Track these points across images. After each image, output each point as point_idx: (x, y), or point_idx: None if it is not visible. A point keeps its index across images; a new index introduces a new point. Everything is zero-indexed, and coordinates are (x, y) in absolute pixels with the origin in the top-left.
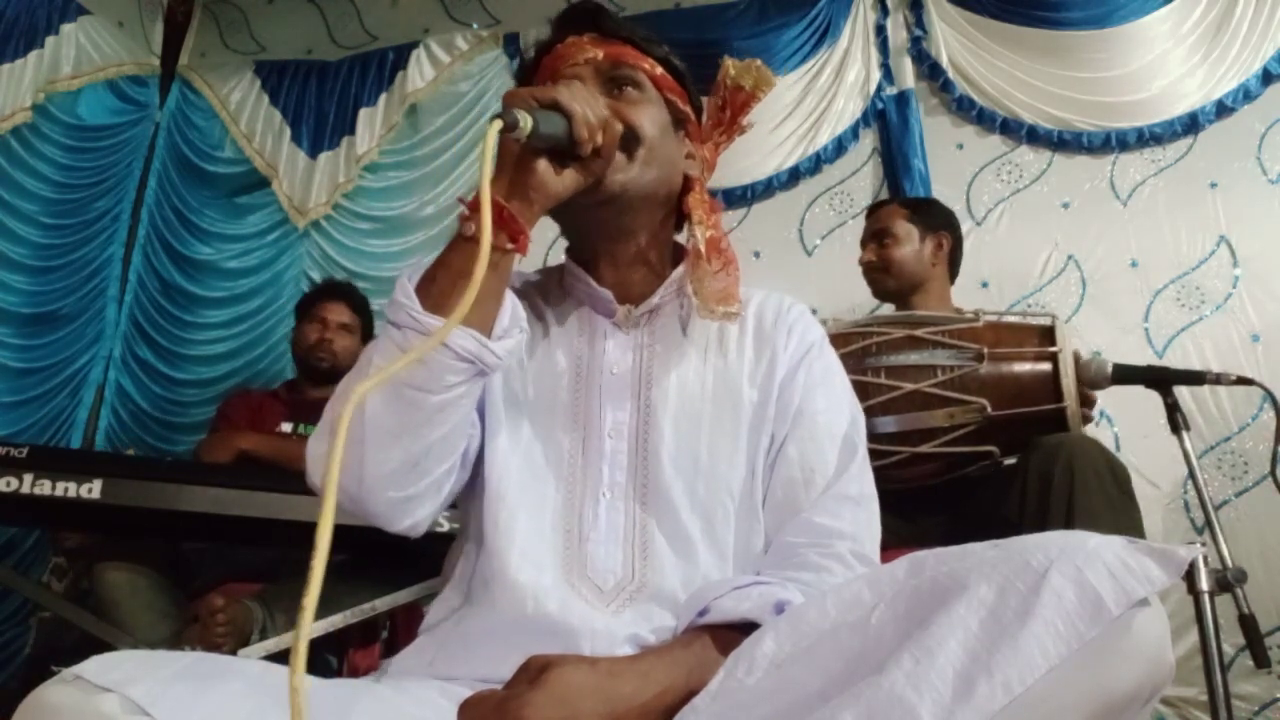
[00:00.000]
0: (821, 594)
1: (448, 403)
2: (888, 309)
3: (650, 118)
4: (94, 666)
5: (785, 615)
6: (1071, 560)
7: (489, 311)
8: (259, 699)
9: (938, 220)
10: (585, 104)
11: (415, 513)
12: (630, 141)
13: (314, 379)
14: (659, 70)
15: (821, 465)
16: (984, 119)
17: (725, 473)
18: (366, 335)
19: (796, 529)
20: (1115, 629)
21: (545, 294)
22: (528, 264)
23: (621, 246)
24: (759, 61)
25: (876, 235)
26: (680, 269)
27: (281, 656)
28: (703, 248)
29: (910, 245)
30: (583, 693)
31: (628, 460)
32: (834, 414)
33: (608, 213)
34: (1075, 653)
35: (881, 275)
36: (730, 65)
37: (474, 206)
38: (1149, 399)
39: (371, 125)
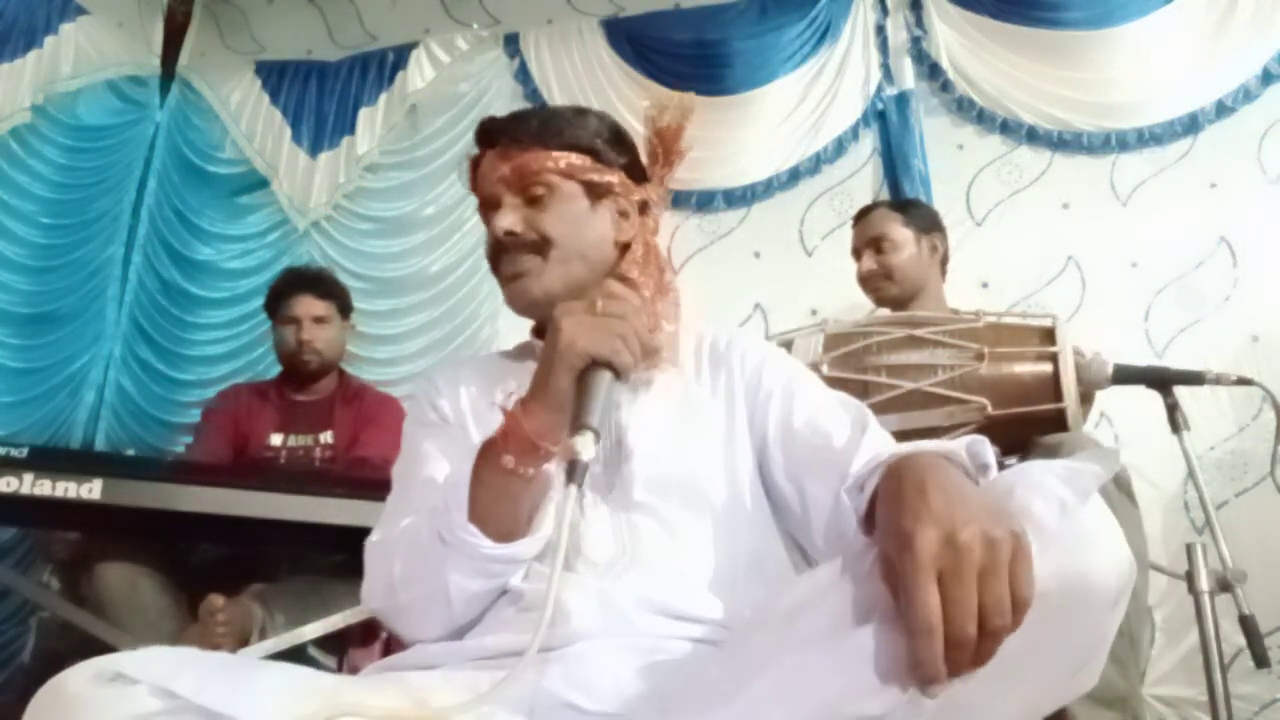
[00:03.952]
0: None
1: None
2: (885, 311)
3: (562, 216)
4: (134, 662)
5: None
6: (1027, 477)
7: (526, 512)
8: (292, 686)
9: (929, 222)
10: (629, 345)
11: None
12: (543, 245)
13: (301, 381)
14: (564, 162)
15: (836, 427)
16: (984, 119)
17: (703, 484)
18: (344, 316)
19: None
20: (1076, 522)
21: (521, 356)
22: None
23: None
24: (680, 96)
25: (872, 243)
26: None
27: (282, 656)
28: None
29: (909, 250)
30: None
31: (605, 482)
32: (816, 387)
33: (536, 309)
34: (1046, 549)
35: (884, 283)
36: (649, 106)
37: (512, 434)
38: (1149, 399)
39: (372, 125)
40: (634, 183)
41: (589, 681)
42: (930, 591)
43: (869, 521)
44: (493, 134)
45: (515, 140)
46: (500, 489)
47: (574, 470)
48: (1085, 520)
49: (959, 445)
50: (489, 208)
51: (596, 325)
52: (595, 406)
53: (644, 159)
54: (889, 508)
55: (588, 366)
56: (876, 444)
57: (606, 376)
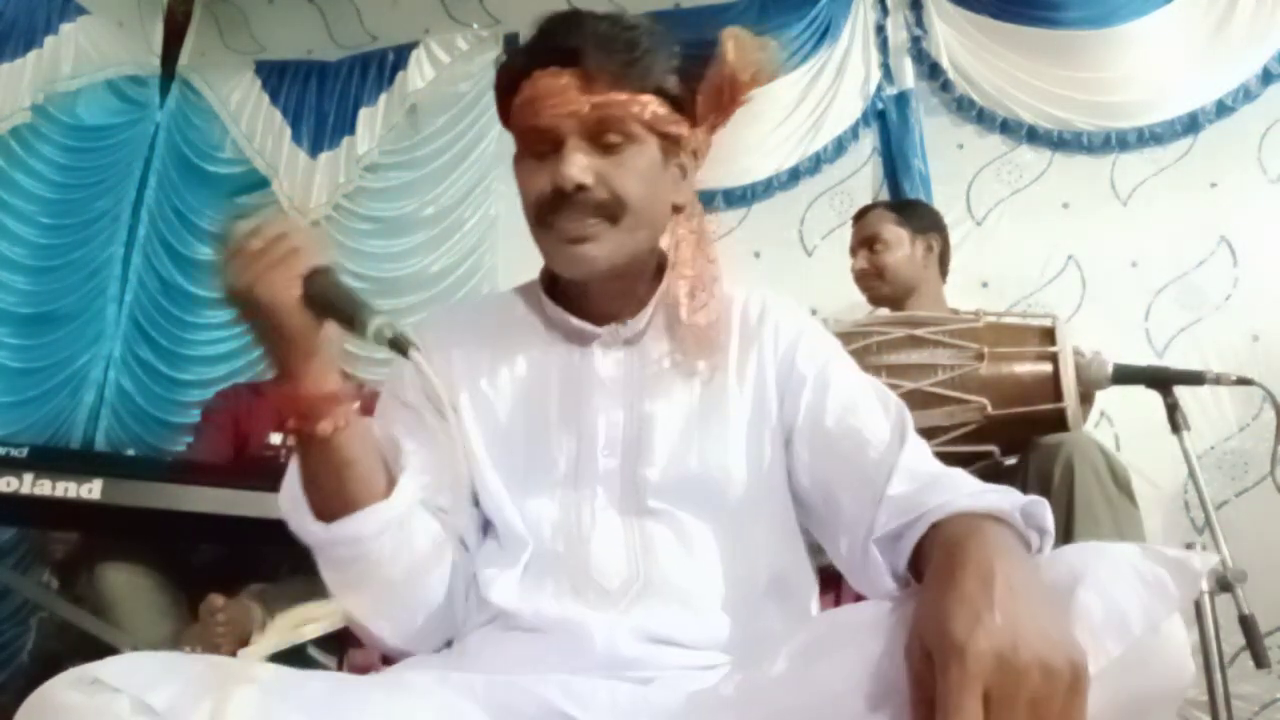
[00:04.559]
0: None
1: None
2: (886, 310)
3: (639, 176)
4: (112, 669)
5: (820, 616)
6: (1096, 576)
7: (371, 474)
8: (278, 702)
9: (926, 222)
10: (307, 243)
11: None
12: (617, 209)
13: None
14: (649, 110)
15: (873, 433)
16: (984, 119)
17: (724, 490)
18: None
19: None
20: (1139, 648)
21: (530, 308)
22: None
23: (609, 287)
24: (767, 45)
25: (866, 242)
26: (664, 285)
27: (281, 656)
28: (684, 298)
29: (901, 250)
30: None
31: (620, 480)
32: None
33: (595, 278)
34: (1102, 670)
35: (876, 282)
36: (731, 48)
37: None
38: (1149, 399)
39: (372, 125)
40: (692, 129)
41: (587, 696)
42: (975, 712)
43: (911, 561)
44: (569, 54)
45: (601, 70)
46: (329, 461)
47: (398, 344)
48: (1151, 648)
49: (1012, 505)
50: (544, 141)
51: (269, 258)
52: (349, 300)
53: (700, 102)
54: (942, 594)
55: (304, 291)
56: (915, 460)
57: (324, 276)
